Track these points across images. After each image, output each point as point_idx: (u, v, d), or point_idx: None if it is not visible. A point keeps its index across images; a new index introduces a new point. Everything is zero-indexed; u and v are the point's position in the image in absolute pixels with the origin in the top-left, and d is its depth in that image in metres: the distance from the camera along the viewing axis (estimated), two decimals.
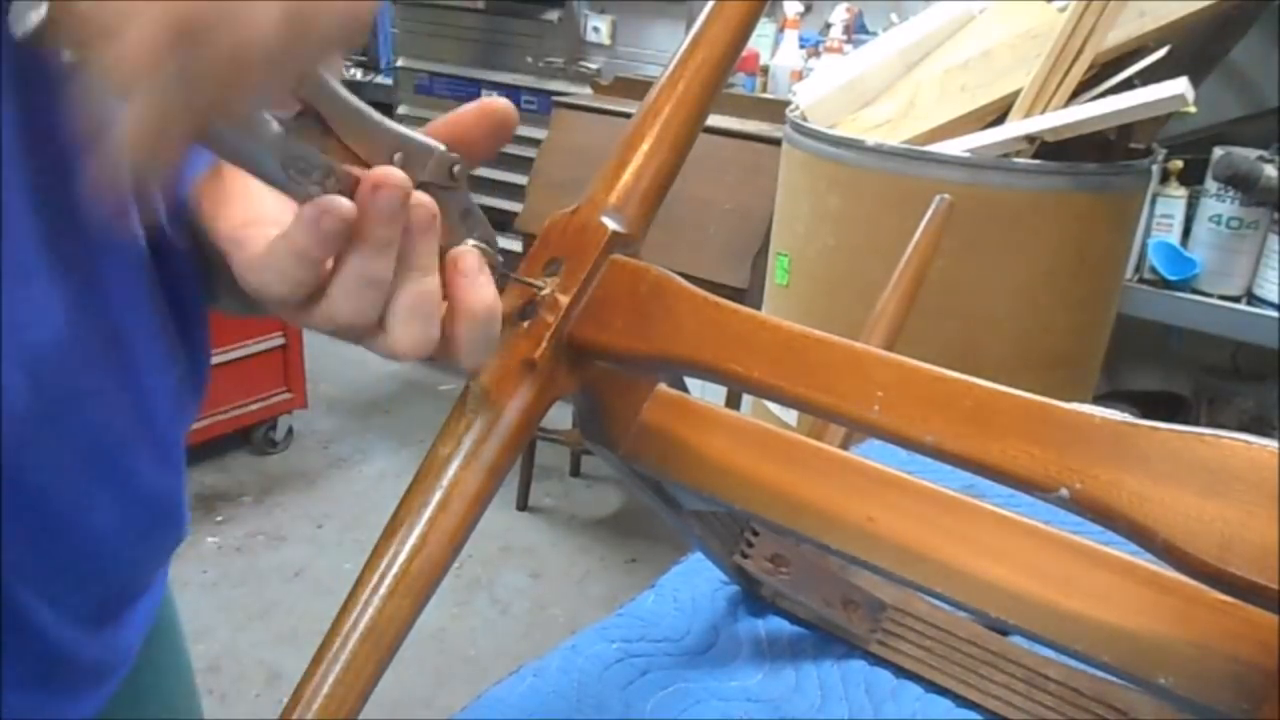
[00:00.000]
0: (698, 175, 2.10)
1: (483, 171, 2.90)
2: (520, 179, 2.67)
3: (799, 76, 2.36)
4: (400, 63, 2.98)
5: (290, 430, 2.70)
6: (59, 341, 0.39)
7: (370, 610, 0.39)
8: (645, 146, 0.45)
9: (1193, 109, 1.36)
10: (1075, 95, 1.39)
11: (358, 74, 3.16)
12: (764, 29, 2.51)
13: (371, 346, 0.37)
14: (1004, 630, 0.62)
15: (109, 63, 0.26)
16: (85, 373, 0.41)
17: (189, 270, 0.46)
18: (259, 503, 2.45)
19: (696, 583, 0.72)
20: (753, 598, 0.70)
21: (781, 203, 1.67)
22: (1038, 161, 1.38)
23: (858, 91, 1.59)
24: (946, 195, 0.73)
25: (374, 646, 0.39)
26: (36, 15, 0.27)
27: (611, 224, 0.43)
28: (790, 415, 1.40)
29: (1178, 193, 1.87)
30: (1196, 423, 1.50)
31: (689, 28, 0.47)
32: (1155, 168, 1.62)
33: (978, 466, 0.37)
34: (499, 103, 0.39)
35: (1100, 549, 0.43)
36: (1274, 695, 0.37)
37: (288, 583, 2.13)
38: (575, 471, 2.66)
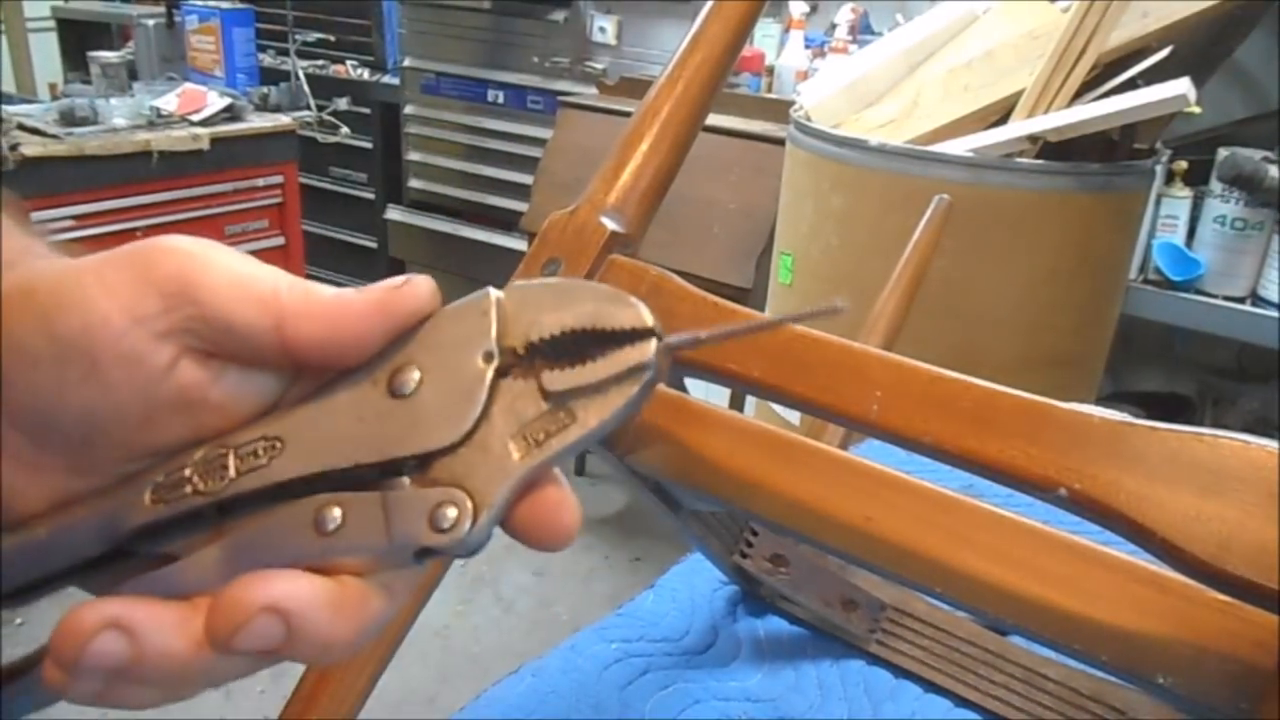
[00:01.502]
0: (702, 175, 2.10)
1: (488, 171, 2.90)
2: (525, 178, 2.68)
3: (804, 77, 2.36)
4: (407, 63, 2.98)
5: None
6: None
7: None
8: (644, 147, 0.45)
9: (1196, 109, 1.36)
10: (1078, 95, 1.39)
11: (365, 73, 3.16)
12: (769, 29, 2.51)
13: None
14: (1003, 630, 0.62)
15: None
16: None
17: None
18: None
19: (696, 582, 0.72)
20: (752, 598, 0.70)
21: (785, 202, 1.67)
22: (1041, 161, 1.37)
23: (861, 91, 1.59)
24: (946, 195, 0.73)
25: (375, 643, 0.39)
26: None
27: (610, 224, 0.43)
28: (793, 415, 1.40)
29: (1182, 193, 1.87)
30: (1201, 424, 1.49)
31: None
32: (1160, 168, 1.62)
33: (976, 466, 0.37)
34: (406, 292, 0.27)
35: (1099, 549, 0.43)
36: (1273, 694, 0.37)
37: None
38: (580, 470, 2.66)
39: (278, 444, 0.26)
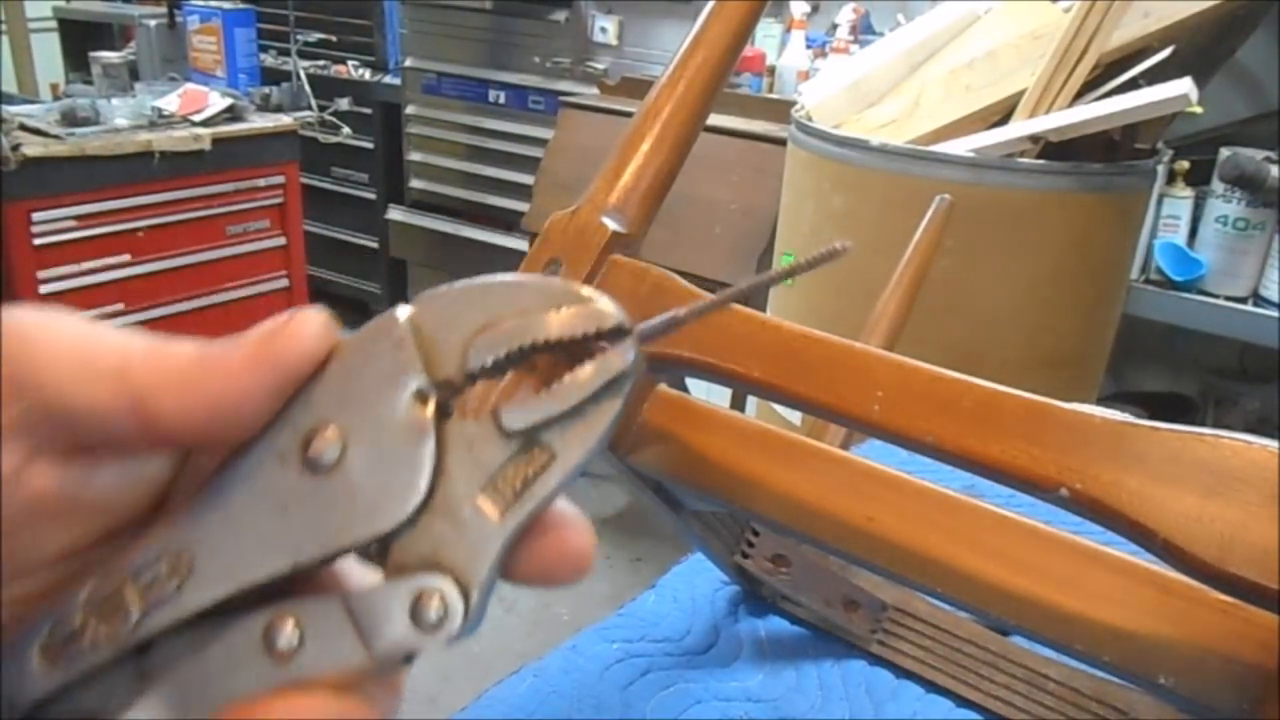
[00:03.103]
0: (703, 175, 2.10)
1: (489, 171, 2.91)
2: (527, 179, 2.68)
3: (805, 77, 2.36)
4: (408, 63, 2.98)
5: None
6: None
7: None
8: (645, 147, 0.45)
9: (1198, 109, 1.36)
10: (1080, 95, 1.39)
11: (366, 74, 3.16)
12: (771, 29, 2.51)
13: None
14: (1004, 630, 0.62)
15: None
16: None
17: None
18: None
19: (697, 583, 0.72)
20: (753, 598, 0.70)
21: (786, 203, 1.67)
22: (1042, 162, 1.37)
23: (863, 91, 1.59)
24: (947, 195, 0.73)
25: None
26: None
27: (611, 224, 0.43)
28: (795, 415, 1.40)
29: (1184, 193, 1.87)
30: (1203, 424, 1.49)
31: None
32: (1162, 168, 1.61)
33: (978, 466, 0.37)
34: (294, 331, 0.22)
35: (1100, 549, 0.43)
36: (1274, 695, 0.37)
37: None
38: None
39: (182, 560, 0.21)
